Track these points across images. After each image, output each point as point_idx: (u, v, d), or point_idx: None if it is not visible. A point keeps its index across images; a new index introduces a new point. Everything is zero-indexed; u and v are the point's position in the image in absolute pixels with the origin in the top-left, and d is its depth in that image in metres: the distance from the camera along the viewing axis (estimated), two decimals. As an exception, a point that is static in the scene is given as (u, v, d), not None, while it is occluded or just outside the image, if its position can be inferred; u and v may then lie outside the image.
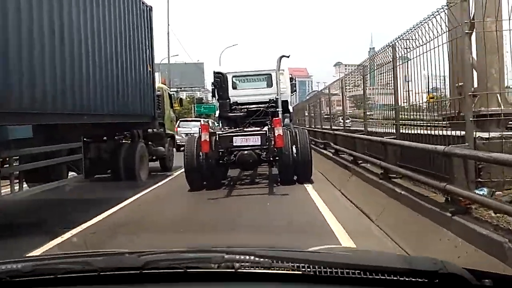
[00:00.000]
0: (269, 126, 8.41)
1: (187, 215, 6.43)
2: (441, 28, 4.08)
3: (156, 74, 12.56)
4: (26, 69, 5.23)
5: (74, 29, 6.34)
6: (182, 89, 54.30)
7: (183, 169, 8.39)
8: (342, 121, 10.24)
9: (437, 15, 4.07)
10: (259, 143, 8.01)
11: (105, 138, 9.11)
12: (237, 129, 8.66)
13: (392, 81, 5.82)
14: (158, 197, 8.11)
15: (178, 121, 21.88)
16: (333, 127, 11.01)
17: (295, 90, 11.83)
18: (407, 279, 1.04)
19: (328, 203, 6.27)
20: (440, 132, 4.33)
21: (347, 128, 9.79)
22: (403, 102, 6.32)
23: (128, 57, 8.47)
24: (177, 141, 19.23)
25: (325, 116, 13.02)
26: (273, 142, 7.89)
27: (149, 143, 10.60)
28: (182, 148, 18.38)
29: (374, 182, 5.84)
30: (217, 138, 8.05)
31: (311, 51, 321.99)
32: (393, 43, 5.65)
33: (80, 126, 7.07)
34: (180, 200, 7.68)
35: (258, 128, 8.50)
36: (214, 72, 9.64)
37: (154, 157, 11.10)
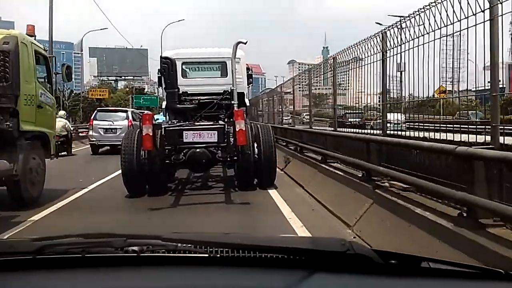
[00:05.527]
0: (224, 120, 8.06)
1: None
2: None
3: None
4: None
5: None
6: (123, 78, 52.51)
7: (65, 201, 6.93)
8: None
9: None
10: (216, 140, 7.40)
11: None
12: (187, 122, 8.09)
13: (381, 75, 5.79)
14: None
15: (95, 112, 17.91)
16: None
17: (252, 82, 11.44)
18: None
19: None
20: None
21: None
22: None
23: None
24: (93, 139, 16.04)
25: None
26: (232, 139, 7.35)
27: None
28: (101, 150, 15.84)
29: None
30: (163, 133, 7.44)
31: (264, 48, 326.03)
32: (384, 31, 5.58)
33: None
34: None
35: (213, 122, 8.03)
36: (161, 57, 9.17)
37: None
